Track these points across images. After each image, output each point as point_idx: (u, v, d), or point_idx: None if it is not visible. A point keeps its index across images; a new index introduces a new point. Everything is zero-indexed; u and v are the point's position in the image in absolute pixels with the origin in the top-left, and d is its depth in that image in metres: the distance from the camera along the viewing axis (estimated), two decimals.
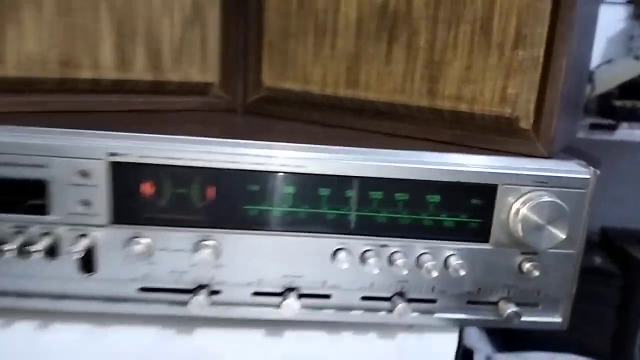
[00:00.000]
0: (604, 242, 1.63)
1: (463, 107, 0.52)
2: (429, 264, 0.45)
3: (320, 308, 0.48)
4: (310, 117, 0.61)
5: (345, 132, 0.56)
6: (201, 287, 0.46)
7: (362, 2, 0.55)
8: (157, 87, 0.59)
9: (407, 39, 0.53)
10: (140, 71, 0.57)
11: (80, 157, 0.42)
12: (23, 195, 0.44)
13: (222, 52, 0.63)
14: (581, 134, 1.40)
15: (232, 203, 0.45)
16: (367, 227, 0.46)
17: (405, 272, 0.46)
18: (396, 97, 0.55)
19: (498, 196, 0.46)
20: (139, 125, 0.50)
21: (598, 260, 1.49)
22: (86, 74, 0.54)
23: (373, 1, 0.54)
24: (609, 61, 1.66)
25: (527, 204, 0.45)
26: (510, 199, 0.46)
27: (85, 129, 0.44)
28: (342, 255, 0.46)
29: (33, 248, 0.42)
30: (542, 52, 0.48)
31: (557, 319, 0.51)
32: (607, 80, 1.59)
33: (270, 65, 0.63)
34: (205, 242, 0.45)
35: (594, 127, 1.48)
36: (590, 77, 1.52)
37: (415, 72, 0.53)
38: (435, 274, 0.45)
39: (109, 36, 0.54)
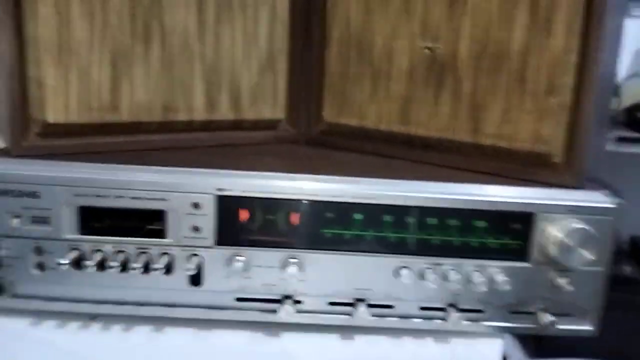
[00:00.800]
0: (634, 251, 1.67)
1: (502, 143, 0.60)
2: (478, 280, 0.54)
3: (385, 316, 0.57)
4: (364, 148, 0.70)
5: (397, 163, 0.65)
6: (287, 297, 0.56)
7: (413, 54, 0.64)
8: (237, 125, 0.69)
9: (453, 85, 0.62)
10: (224, 112, 0.67)
11: (194, 192, 0.52)
12: (146, 223, 0.54)
13: (289, 92, 0.73)
14: (609, 147, 1.45)
15: (313, 227, 0.54)
16: (425, 248, 0.55)
17: (457, 286, 0.55)
18: (443, 134, 0.64)
19: (536, 222, 0.55)
20: (225, 158, 0.60)
21: (628, 269, 1.54)
22: (182, 116, 0.64)
23: (423, 53, 0.63)
24: (635, 74, 1.71)
25: (561, 230, 0.54)
26: (546, 225, 0.55)
27: (195, 167, 0.54)
28: (404, 272, 0.55)
29: (155, 266, 0.52)
30: (570, 98, 0.56)
31: (589, 327, 0.59)
32: (634, 93, 1.64)
33: (331, 103, 0.72)
34: (291, 260, 0.54)
35: (621, 140, 1.53)
36: (616, 91, 1.58)
37: (460, 112, 0.62)
38: (483, 288, 0.54)
39: (200, 85, 0.64)
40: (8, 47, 0.53)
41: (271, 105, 0.72)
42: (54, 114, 0.56)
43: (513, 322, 0.58)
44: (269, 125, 0.73)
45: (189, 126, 0.66)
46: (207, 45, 0.64)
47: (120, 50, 0.58)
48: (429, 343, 0.58)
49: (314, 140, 0.75)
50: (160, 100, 0.62)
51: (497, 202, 0.54)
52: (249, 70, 0.68)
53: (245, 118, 0.70)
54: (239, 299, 0.56)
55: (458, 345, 0.58)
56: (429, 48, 0.63)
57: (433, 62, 0.63)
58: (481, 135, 0.61)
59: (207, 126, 0.67)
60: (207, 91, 0.65)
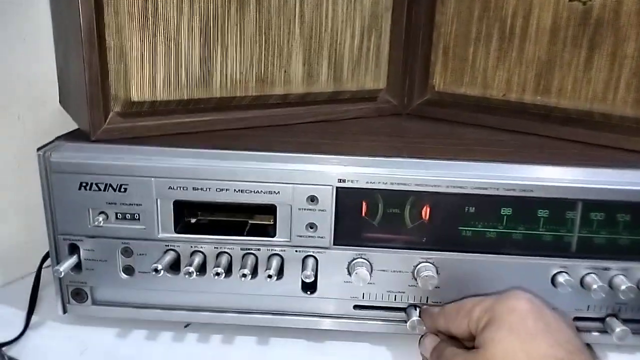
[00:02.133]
0: None
1: None
2: None
3: None
4: (486, 121, 0.60)
5: (530, 139, 0.55)
6: (414, 306, 0.47)
7: (559, 8, 0.52)
8: (335, 97, 0.60)
9: (612, 46, 0.50)
10: (323, 83, 0.58)
11: (310, 184, 0.43)
12: (252, 219, 0.46)
13: (391, 57, 0.63)
14: None
15: (449, 224, 0.45)
16: (587, 249, 0.45)
17: (628, 294, 0.44)
18: (595, 106, 0.52)
19: None
20: (331, 139, 0.52)
21: None
22: (279, 89, 0.55)
23: (574, 7, 0.51)
24: None
25: None
26: None
27: (308, 153, 0.45)
28: (561, 277, 0.45)
29: (267, 272, 0.43)
30: None
31: None
32: None
33: (444, 69, 0.62)
34: (422, 263, 0.45)
35: None
36: None
37: (620, 80, 0.51)
38: None
39: (299, 52, 0.55)
40: (83, 10, 0.44)
41: (373, 73, 0.61)
42: (138, 91, 0.47)
43: None
44: (369, 96, 0.63)
45: (285, 100, 0.56)
46: (306, 5, 0.54)
47: (212, 12, 0.48)
48: None
49: (417, 112, 0.64)
50: (255, 71, 0.53)
51: None
52: (352, 34, 0.58)
53: (345, 89, 0.60)
54: (358, 307, 0.48)
55: None
56: (581, 1, 0.51)
57: (586, 18, 0.51)
58: None
59: (304, 99, 0.57)
60: (306, 59, 0.55)
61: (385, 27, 0.61)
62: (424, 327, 0.45)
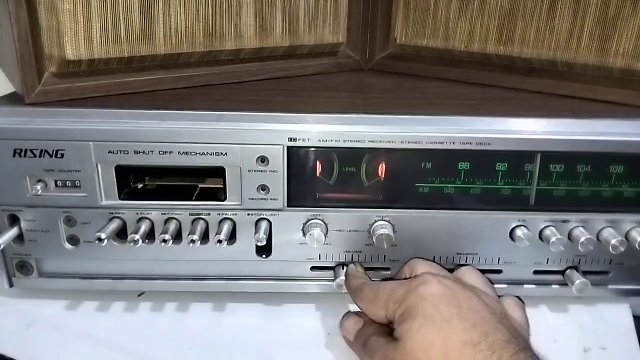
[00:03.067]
0: None
1: (639, 65, 0.47)
2: (615, 241, 0.43)
3: (492, 283, 0.47)
4: (449, 74, 0.58)
5: (493, 91, 0.53)
6: (340, 264, 0.46)
7: None
8: (292, 52, 0.57)
9: None
10: (278, 37, 0.55)
11: (259, 144, 0.41)
12: (201, 183, 0.44)
13: (350, 9, 0.60)
14: None
15: (405, 181, 0.43)
16: (546, 202, 0.44)
17: (587, 246, 0.44)
18: (559, 55, 0.51)
19: None
20: (285, 95, 0.49)
21: None
22: (229, 44, 0.52)
23: None
24: None
25: None
26: None
27: (257, 111, 0.42)
28: (519, 231, 0.44)
29: (217, 237, 0.42)
30: None
31: None
32: None
33: (405, 21, 0.59)
34: (379, 222, 0.44)
35: None
36: None
37: (584, 28, 0.49)
38: (622, 249, 0.43)
39: (250, 3, 0.51)
40: None
41: (332, 26, 0.58)
42: (73, 48, 0.44)
43: None
44: (328, 51, 0.60)
45: (237, 56, 0.53)
46: None
47: None
48: (545, 313, 0.48)
49: (379, 67, 0.62)
50: (203, 25, 0.49)
51: (637, 141, 0.42)
52: None
53: (302, 43, 0.57)
54: (315, 268, 0.46)
55: (582, 314, 0.48)
56: None
57: None
58: (611, 55, 0.48)
59: (258, 55, 0.54)
60: (257, 11, 0.52)
61: None
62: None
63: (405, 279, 0.41)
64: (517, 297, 0.43)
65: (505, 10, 0.52)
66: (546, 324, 0.46)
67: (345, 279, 0.44)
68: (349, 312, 0.43)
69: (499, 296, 0.41)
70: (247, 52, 0.53)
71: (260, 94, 0.50)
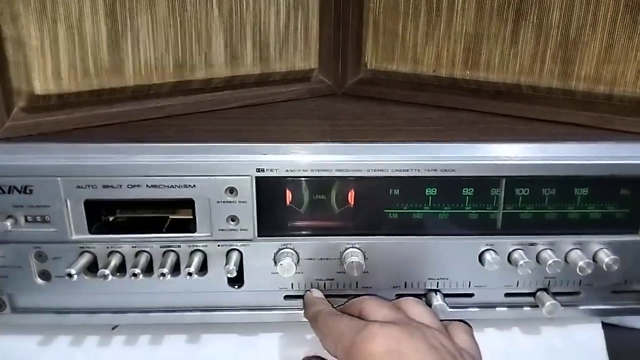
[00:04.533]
0: None
1: (601, 88, 0.48)
2: (582, 263, 0.44)
3: (464, 307, 0.47)
4: (418, 98, 0.59)
5: (464, 116, 0.54)
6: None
7: None
8: (264, 79, 0.57)
9: (537, 17, 0.49)
10: (248, 65, 0.55)
11: (227, 175, 0.41)
12: (170, 215, 0.44)
13: (321, 35, 0.60)
14: None
15: (374, 208, 0.44)
16: (513, 226, 0.44)
17: (554, 268, 0.44)
18: (523, 79, 0.52)
19: None
20: (256, 124, 0.49)
21: None
22: (200, 74, 0.52)
23: None
24: None
25: None
26: None
27: (225, 142, 0.43)
28: (488, 255, 0.45)
29: (187, 270, 0.42)
30: None
31: None
32: None
33: (375, 46, 0.60)
34: (350, 249, 0.44)
35: None
36: None
37: (546, 52, 0.50)
38: (589, 271, 0.44)
39: (219, 33, 0.52)
40: None
41: (303, 52, 0.59)
42: (41, 83, 0.44)
43: (615, 304, 0.49)
44: (301, 77, 0.61)
45: (208, 85, 0.54)
46: None
47: None
48: (517, 335, 0.48)
49: (352, 92, 0.63)
50: (172, 56, 0.50)
51: (601, 164, 0.43)
52: (276, 12, 0.55)
53: (274, 70, 0.57)
54: (288, 297, 0.46)
55: (553, 335, 0.48)
56: None
57: None
58: (574, 79, 0.49)
59: (230, 83, 0.55)
60: (227, 41, 0.53)
61: (312, 3, 0.59)
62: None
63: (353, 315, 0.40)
64: (463, 321, 0.43)
65: (471, 34, 0.53)
66: (518, 347, 0.47)
67: (304, 307, 0.44)
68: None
69: (442, 320, 0.41)
70: (218, 81, 0.54)
71: (232, 123, 0.50)
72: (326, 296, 0.46)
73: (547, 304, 0.46)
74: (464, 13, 0.53)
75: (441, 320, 0.41)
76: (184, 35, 0.50)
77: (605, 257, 0.45)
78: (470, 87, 0.55)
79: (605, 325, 0.49)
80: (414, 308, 0.41)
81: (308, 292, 0.45)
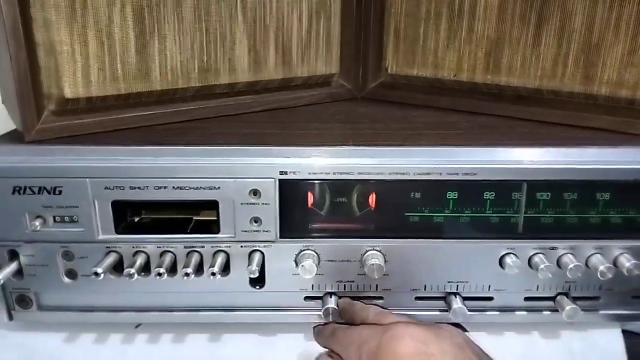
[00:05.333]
0: None
1: (624, 92, 0.48)
2: (603, 267, 0.44)
3: (484, 311, 0.47)
4: (439, 103, 0.59)
5: (484, 120, 0.54)
6: (329, 294, 0.47)
7: None
8: (286, 84, 0.58)
9: (559, 21, 0.49)
10: (271, 70, 0.56)
11: (251, 177, 0.42)
12: (195, 216, 0.45)
13: (342, 40, 0.61)
14: None
15: (395, 211, 0.44)
16: (534, 230, 0.44)
17: (575, 273, 0.44)
18: (544, 83, 0.52)
19: None
20: (279, 128, 0.50)
21: None
22: (224, 78, 0.53)
23: None
24: None
25: None
26: None
27: (249, 145, 0.43)
28: (509, 259, 0.45)
29: (210, 270, 0.42)
30: None
31: None
32: None
33: (396, 51, 0.61)
34: (371, 251, 0.45)
35: None
36: None
37: (569, 56, 0.50)
38: (610, 276, 0.44)
39: (243, 38, 0.53)
40: (5, 5, 0.41)
41: (324, 57, 0.60)
42: (71, 87, 0.45)
43: (635, 309, 0.48)
44: (322, 81, 0.61)
45: (232, 89, 0.55)
46: None
47: (146, 1, 0.47)
48: (537, 339, 0.48)
49: (372, 95, 0.63)
50: (197, 61, 0.51)
51: (623, 169, 0.43)
52: (299, 17, 0.56)
53: (296, 75, 0.58)
54: (308, 298, 0.47)
55: (573, 340, 0.48)
56: None
57: None
58: (596, 83, 0.49)
59: (252, 88, 0.56)
60: (251, 46, 0.54)
61: (334, 9, 0.59)
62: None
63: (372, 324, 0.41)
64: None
65: (492, 39, 0.53)
66: (537, 351, 0.47)
67: (315, 335, 0.44)
68: (320, 354, 0.44)
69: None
70: (241, 86, 0.55)
71: (255, 126, 0.51)
72: (346, 297, 0.46)
73: (567, 308, 0.46)
74: (485, 17, 0.53)
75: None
76: (208, 41, 0.51)
77: (626, 261, 0.44)
78: (491, 91, 0.55)
79: (624, 332, 0.49)
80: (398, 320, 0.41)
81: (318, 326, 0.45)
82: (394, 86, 0.62)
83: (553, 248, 0.45)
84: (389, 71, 0.62)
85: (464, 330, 0.43)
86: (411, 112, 0.58)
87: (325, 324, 0.45)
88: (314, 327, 0.45)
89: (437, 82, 0.59)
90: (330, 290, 0.47)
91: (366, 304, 0.45)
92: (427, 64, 0.58)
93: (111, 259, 0.44)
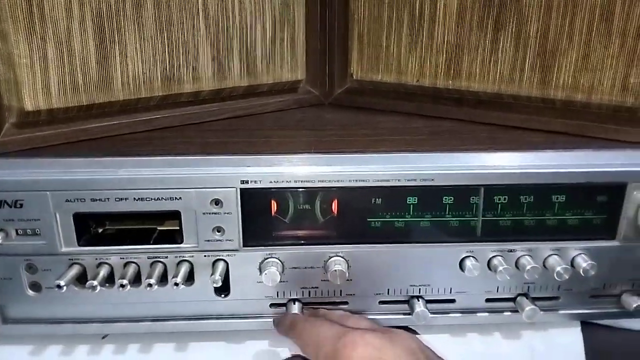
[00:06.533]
0: None
1: (579, 96, 0.50)
2: (560, 268, 0.45)
3: (446, 313, 0.48)
4: (404, 108, 0.60)
5: (446, 125, 0.55)
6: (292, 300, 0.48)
7: None
8: (251, 91, 0.59)
9: (516, 27, 0.51)
10: (236, 78, 0.56)
11: (212, 187, 0.42)
12: (157, 226, 0.45)
13: (308, 47, 0.62)
14: None
15: (357, 217, 0.45)
16: (492, 233, 0.45)
17: (532, 274, 0.45)
18: (503, 87, 0.53)
19: (626, 193, 0.45)
20: (242, 136, 0.50)
21: None
22: (188, 87, 0.53)
23: None
24: None
25: None
26: (639, 195, 0.45)
27: (211, 154, 0.44)
28: (469, 262, 0.46)
29: (174, 280, 0.43)
30: None
31: None
32: None
33: (360, 57, 0.61)
34: (334, 257, 0.45)
35: None
36: None
37: (525, 61, 0.51)
38: (566, 277, 0.45)
39: (206, 47, 0.53)
40: None
41: (289, 64, 0.60)
42: (32, 99, 0.45)
43: (593, 308, 0.50)
44: (288, 88, 0.62)
45: (196, 97, 0.55)
46: None
47: (105, 12, 0.47)
48: (498, 340, 0.49)
49: (339, 101, 0.64)
50: (160, 70, 0.51)
51: (580, 172, 0.44)
52: (262, 25, 0.57)
53: (261, 82, 0.59)
54: (274, 305, 0.47)
55: (534, 339, 0.49)
56: None
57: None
58: (552, 88, 0.50)
59: (217, 96, 0.56)
60: (215, 55, 0.54)
61: (298, 16, 0.60)
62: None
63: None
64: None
65: (452, 45, 0.54)
66: (499, 351, 0.48)
67: (275, 325, 0.45)
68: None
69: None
70: (206, 94, 0.55)
71: (219, 135, 0.51)
72: (311, 304, 0.47)
73: (527, 309, 0.47)
74: (445, 24, 0.54)
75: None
76: (171, 50, 0.51)
77: (583, 262, 0.46)
78: (453, 96, 0.56)
79: (599, 326, 0.51)
80: (359, 322, 0.42)
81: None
82: (361, 92, 0.63)
83: (511, 250, 0.46)
84: (354, 77, 0.62)
85: (415, 333, 0.44)
86: (377, 117, 0.58)
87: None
88: (274, 318, 0.46)
89: (401, 88, 0.59)
90: (295, 297, 0.47)
91: (329, 309, 0.46)
92: (391, 69, 0.59)
93: (74, 271, 0.44)
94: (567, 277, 0.45)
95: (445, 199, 0.45)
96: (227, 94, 0.57)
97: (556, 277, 0.45)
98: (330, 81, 0.64)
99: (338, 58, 0.63)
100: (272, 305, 0.47)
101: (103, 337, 0.49)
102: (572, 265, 0.46)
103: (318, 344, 0.38)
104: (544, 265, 0.46)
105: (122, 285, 0.42)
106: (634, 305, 0.48)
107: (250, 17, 0.55)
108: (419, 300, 0.47)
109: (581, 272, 0.46)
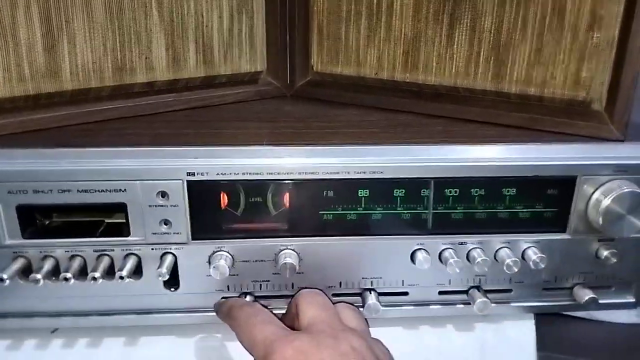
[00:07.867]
0: None
1: (532, 90, 0.50)
2: (509, 261, 0.45)
3: (399, 306, 0.48)
4: (363, 101, 0.60)
5: (404, 118, 0.55)
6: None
7: None
8: (209, 82, 0.58)
9: (470, 20, 0.51)
10: (192, 68, 0.56)
11: (158, 179, 0.42)
12: (104, 219, 0.44)
13: (268, 38, 0.61)
14: None
15: (309, 210, 0.44)
16: (443, 226, 0.46)
17: (483, 267, 0.46)
18: (458, 81, 0.53)
19: (576, 186, 0.45)
20: (195, 128, 0.50)
21: None
22: (141, 77, 0.52)
23: None
24: None
25: (608, 195, 0.44)
26: (589, 189, 0.45)
27: (157, 146, 0.43)
28: (420, 255, 0.46)
29: (119, 274, 0.42)
30: (617, 33, 0.45)
31: (630, 299, 0.51)
32: None
33: (320, 49, 0.61)
34: (285, 250, 0.45)
35: None
36: None
37: (480, 55, 0.51)
38: (515, 269, 0.45)
39: (160, 36, 0.52)
40: None
41: (248, 55, 0.60)
42: None
43: (546, 301, 0.50)
44: (248, 79, 0.61)
45: (151, 88, 0.54)
46: None
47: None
48: (451, 332, 0.49)
49: (301, 93, 0.63)
50: (111, 59, 0.50)
51: (529, 165, 0.44)
52: (219, 14, 0.56)
53: (219, 73, 0.58)
54: (225, 299, 0.47)
55: (486, 332, 0.49)
56: None
57: None
58: (506, 81, 0.51)
59: (173, 86, 0.55)
60: (169, 44, 0.53)
61: (257, 6, 0.59)
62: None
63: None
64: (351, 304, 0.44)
65: (409, 38, 0.54)
66: (450, 344, 0.48)
67: (215, 309, 0.45)
68: None
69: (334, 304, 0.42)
70: (161, 84, 0.54)
71: (172, 127, 0.50)
72: (263, 297, 0.47)
73: (478, 301, 0.47)
74: (402, 16, 0.54)
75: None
76: (122, 39, 0.50)
77: (533, 255, 0.46)
78: (411, 89, 0.56)
79: (570, 318, 0.51)
80: (344, 312, 0.42)
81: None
82: (322, 84, 0.63)
83: (462, 243, 0.46)
84: (314, 69, 0.62)
85: None
86: (336, 110, 0.58)
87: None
88: (214, 303, 0.46)
89: (360, 81, 0.59)
90: (246, 291, 0.47)
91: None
92: (351, 62, 0.59)
93: (18, 264, 0.43)
94: (516, 270, 0.45)
95: (396, 191, 0.44)
96: (183, 84, 0.56)
97: (506, 270, 0.45)
98: (291, 73, 0.64)
99: (299, 50, 0.62)
100: (223, 298, 0.47)
101: (52, 332, 0.48)
102: (522, 258, 0.46)
103: (251, 346, 0.38)
104: (495, 258, 0.46)
105: (66, 279, 0.42)
106: (585, 299, 0.49)
107: (206, 6, 0.54)
108: (371, 293, 0.47)
109: (531, 265, 0.46)
